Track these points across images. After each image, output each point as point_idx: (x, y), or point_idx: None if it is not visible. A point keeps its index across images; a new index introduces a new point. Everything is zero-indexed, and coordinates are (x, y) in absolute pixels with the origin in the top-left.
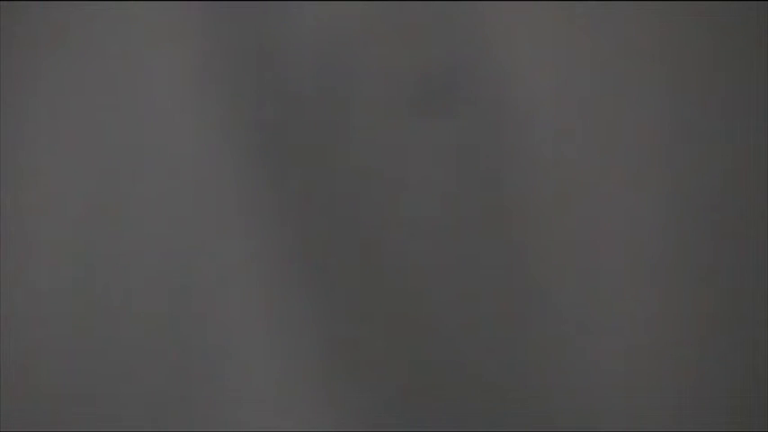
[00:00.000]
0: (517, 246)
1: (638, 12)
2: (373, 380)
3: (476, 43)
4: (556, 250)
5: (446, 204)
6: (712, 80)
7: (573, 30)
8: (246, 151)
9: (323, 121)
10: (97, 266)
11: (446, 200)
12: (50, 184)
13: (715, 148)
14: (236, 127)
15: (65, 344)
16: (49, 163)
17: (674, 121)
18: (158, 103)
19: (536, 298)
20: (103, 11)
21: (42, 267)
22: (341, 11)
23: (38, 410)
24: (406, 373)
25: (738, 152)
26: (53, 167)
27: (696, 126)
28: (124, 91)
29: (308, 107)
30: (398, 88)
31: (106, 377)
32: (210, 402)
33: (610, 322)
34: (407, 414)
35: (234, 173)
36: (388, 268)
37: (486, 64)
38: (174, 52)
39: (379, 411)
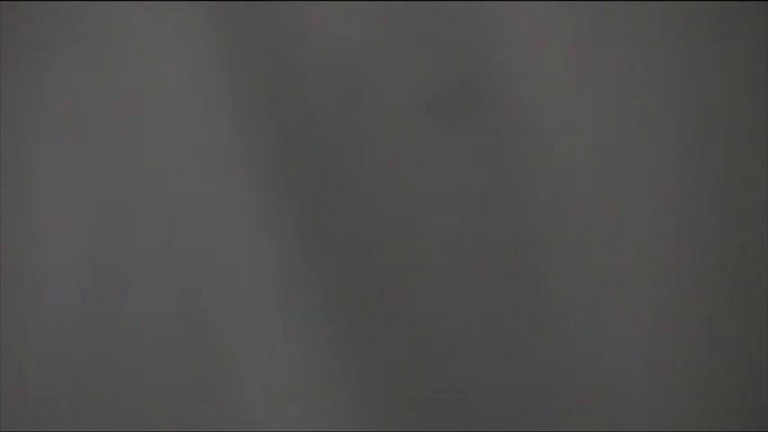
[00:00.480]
0: (530, 249)
1: (648, 13)
2: (383, 381)
3: (490, 47)
4: (569, 254)
5: (460, 208)
6: (730, 83)
7: (588, 32)
8: (259, 155)
9: (335, 126)
10: (108, 268)
11: (460, 203)
12: (60, 188)
13: (723, 150)
14: (249, 131)
15: (73, 345)
16: (58, 167)
17: (691, 123)
18: (169, 107)
19: (548, 302)
20: (109, 11)
21: (51, 269)
22: (353, 15)
23: (43, 412)
24: (417, 374)
25: (743, 152)
26: (62, 171)
27: (713, 130)
28: (133, 93)
29: (321, 112)
30: (412, 93)
31: (115, 378)
32: (219, 404)
33: (623, 327)
34: (417, 414)
35: (246, 176)
36: (401, 271)
37: (501, 68)
38: (185, 56)
39: (387, 413)
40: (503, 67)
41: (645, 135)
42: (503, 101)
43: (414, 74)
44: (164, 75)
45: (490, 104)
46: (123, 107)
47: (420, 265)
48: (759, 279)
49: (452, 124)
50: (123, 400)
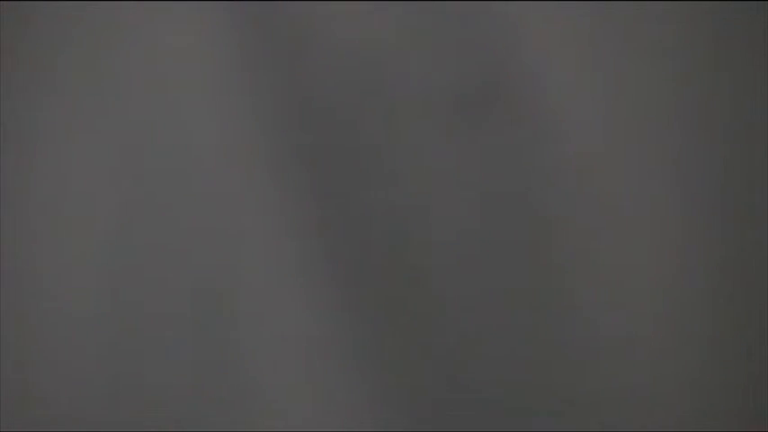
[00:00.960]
0: (534, 250)
1: (652, 13)
2: (399, 381)
3: (502, 48)
4: (571, 254)
5: (479, 211)
6: (742, 84)
7: (608, 37)
8: (271, 156)
9: (353, 126)
10: (112, 268)
11: (479, 207)
12: (61, 188)
13: (723, 150)
14: (259, 131)
15: (73, 345)
16: (58, 167)
17: (691, 123)
18: (174, 107)
19: (550, 301)
20: (114, 10)
21: (51, 269)
22: (367, 16)
23: (43, 412)
24: (431, 372)
25: (743, 152)
26: (63, 171)
27: (713, 130)
28: (140, 94)
29: (342, 117)
30: (433, 98)
31: (116, 378)
32: (224, 404)
33: (624, 327)
34: (431, 412)
35: (264, 178)
36: (417, 271)
37: (512, 69)
38: (192, 56)
39: (398, 410)
40: (514, 68)
41: (646, 135)
42: (515, 102)
43: (436, 80)
44: (169, 74)
45: (503, 105)
46: (130, 107)
47: (430, 265)
48: (759, 279)
49: (466, 124)
50: (123, 399)
